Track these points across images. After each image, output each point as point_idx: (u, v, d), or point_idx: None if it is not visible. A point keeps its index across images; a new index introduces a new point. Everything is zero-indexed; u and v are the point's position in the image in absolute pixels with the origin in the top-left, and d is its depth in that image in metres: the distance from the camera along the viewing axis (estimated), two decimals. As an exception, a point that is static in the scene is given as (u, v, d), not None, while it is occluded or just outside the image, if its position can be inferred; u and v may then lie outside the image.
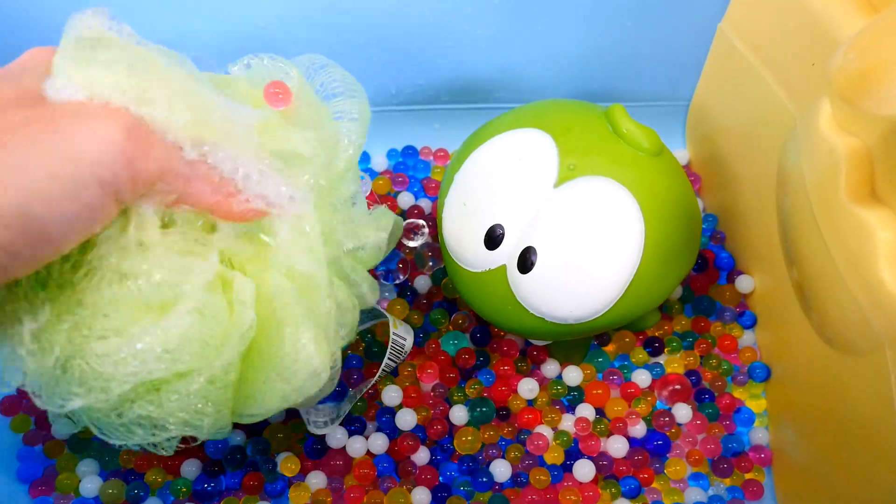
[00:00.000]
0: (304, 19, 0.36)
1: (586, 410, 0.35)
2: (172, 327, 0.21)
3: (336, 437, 0.34)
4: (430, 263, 0.38)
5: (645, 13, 0.37)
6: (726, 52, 0.37)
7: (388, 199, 0.41)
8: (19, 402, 0.35)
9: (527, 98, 0.37)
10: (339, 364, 0.27)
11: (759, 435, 0.36)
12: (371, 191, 0.37)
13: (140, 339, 0.21)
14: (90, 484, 0.33)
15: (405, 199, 0.41)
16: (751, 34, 0.35)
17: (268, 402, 0.24)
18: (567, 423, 0.35)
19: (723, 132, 0.39)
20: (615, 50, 0.39)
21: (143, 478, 0.34)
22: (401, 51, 0.38)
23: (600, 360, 0.37)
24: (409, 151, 0.43)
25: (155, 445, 0.24)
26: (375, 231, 0.29)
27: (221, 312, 0.22)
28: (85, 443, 0.34)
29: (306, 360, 0.23)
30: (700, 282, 0.39)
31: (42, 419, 0.34)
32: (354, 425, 0.34)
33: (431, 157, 0.43)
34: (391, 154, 0.43)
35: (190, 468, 0.34)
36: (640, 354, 0.37)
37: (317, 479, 0.34)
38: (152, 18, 0.34)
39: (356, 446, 0.34)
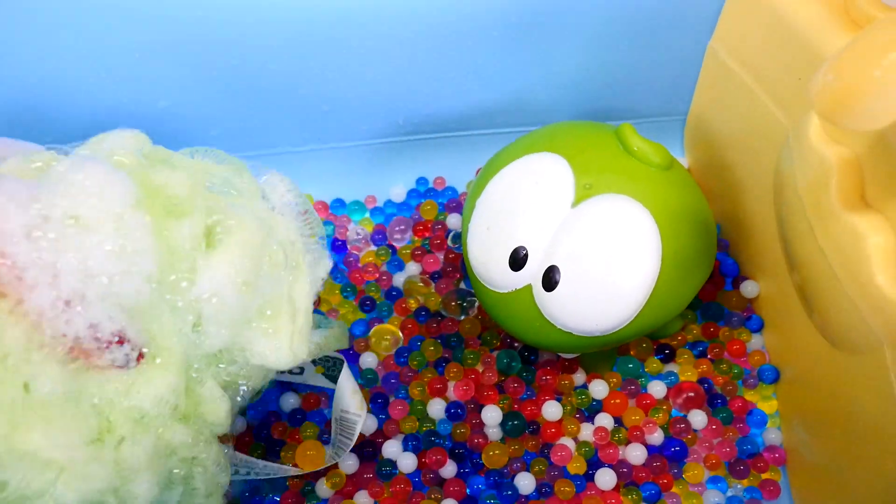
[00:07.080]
0: (310, 53, 0.39)
1: (605, 420, 0.39)
2: None
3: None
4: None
5: (638, 36, 0.41)
6: (717, 69, 0.40)
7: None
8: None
9: (533, 121, 0.41)
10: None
11: (772, 435, 0.40)
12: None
13: None
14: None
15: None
16: (740, 51, 0.38)
17: None
18: (586, 432, 0.38)
19: (720, 144, 0.43)
20: (613, 71, 0.42)
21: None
22: (408, 82, 0.41)
23: (630, 365, 0.40)
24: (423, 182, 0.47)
25: None
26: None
27: None
28: None
29: None
30: (707, 288, 0.42)
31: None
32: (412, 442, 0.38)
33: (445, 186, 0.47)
34: (420, 182, 0.47)
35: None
36: (654, 364, 0.40)
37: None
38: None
39: (407, 462, 0.37)
